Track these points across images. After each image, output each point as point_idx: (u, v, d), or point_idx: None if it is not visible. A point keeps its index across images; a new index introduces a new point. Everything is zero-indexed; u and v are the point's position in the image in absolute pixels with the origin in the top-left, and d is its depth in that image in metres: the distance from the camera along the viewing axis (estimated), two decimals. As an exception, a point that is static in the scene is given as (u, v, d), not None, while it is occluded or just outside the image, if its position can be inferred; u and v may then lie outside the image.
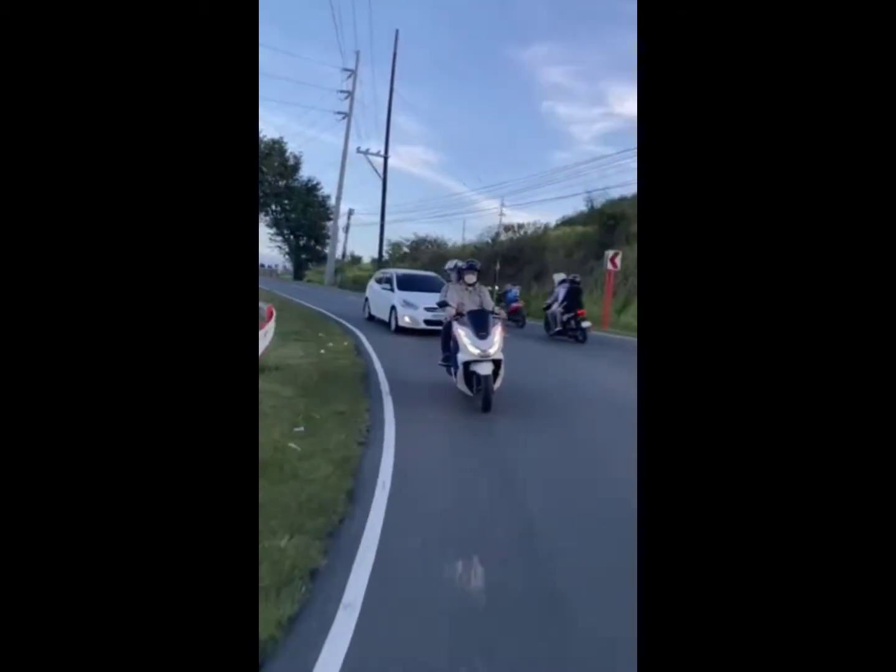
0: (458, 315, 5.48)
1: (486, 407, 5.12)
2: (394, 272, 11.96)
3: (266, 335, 6.95)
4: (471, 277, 5.80)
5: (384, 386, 6.08)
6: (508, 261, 23.57)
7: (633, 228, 19.93)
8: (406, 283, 11.11)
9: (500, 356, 5.21)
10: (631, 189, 21.88)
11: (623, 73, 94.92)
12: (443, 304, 5.77)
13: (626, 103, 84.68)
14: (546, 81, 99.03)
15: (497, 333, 5.25)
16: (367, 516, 2.94)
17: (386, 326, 11.15)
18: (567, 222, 30.05)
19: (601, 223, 20.56)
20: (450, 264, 6.61)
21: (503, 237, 26.62)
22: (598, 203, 23.09)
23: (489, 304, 5.75)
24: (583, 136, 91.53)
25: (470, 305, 5.64)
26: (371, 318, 12.42)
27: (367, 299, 12.84)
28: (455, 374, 5.47)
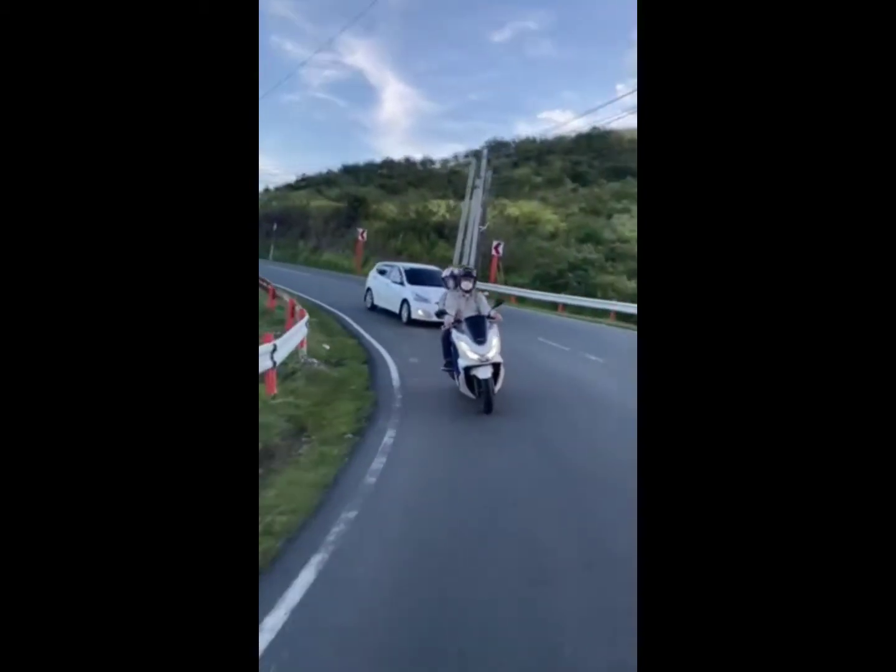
0: (457, 322, 5.64)
1: (488, 409, 5.30)
2: (399, 266, 12.19)
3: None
4: (467, 284, 5.92)
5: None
6: (280, 221, 31.39)
7: (372, 208, 30.05)
8: (414, 278, 11.50)
9: (498, 359, 5.42)
10: (377, 156, 33.22)
11: (352, 23, 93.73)
12: (441, 314, 5.95)
13: (356, 55, 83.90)
14: (273, 12, 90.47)
15: (494, 338, 5.45)
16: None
17: (396, 318, 11.42)
18: (308, 180, 38.50)
19: (349, 203, 30.26)
20: (446, 272, 6.89)
21: (275, 203, 34.51)
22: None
23: (486, 308, 5.85)
24: (312, 80, 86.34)
25: (467, 312, 5.76)
26: (374, 307, 12.60)
27: (368, 289, 12.96)
28: (458, 378, 5.63)
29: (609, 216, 26.55)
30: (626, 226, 24.41)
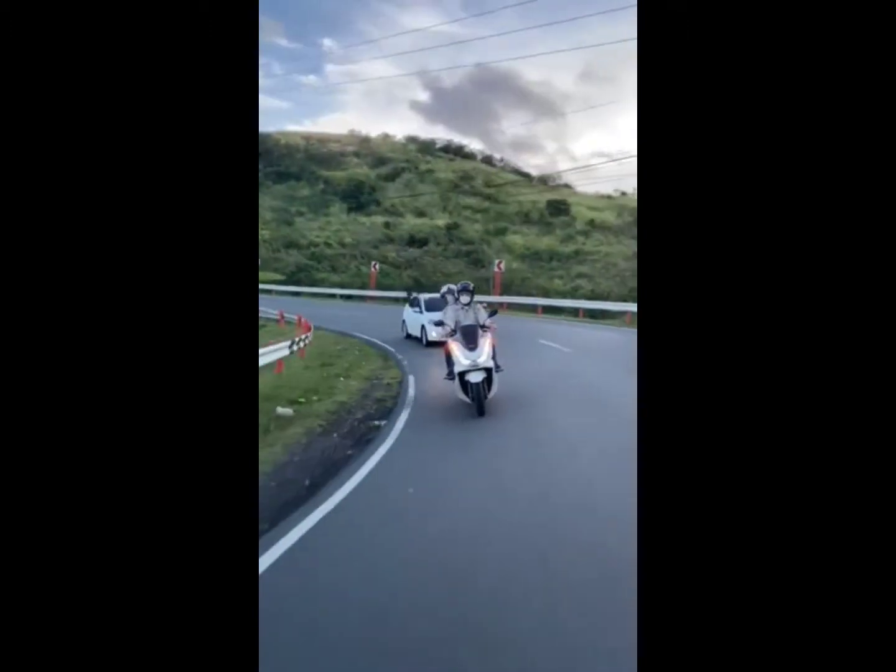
0: (453, 332, 6.32)
1: (480, 412, 5.88)
2: (421, 297, 13.76)
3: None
4: (465, 298, 6.63)
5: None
6: None
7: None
8: (432, 306, 12.56)
9: (489, 364, 6.01)
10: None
11: None
12: (439, 324, 6.78)
13: None
14: None
15: (486, 344, 6.04)
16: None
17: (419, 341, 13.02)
18: None
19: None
20: (444, 289, 7.84)
21: None
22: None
23: (482, 319, 6.49)
24: None
25: (465, 322, 6.38)
26: (408, 336, 14.10)
27: (403, 321, 14.59)
28: (455, 383, 6.23)
29: (292, 223, 34.96)
30: (312, 230, 34.20)
